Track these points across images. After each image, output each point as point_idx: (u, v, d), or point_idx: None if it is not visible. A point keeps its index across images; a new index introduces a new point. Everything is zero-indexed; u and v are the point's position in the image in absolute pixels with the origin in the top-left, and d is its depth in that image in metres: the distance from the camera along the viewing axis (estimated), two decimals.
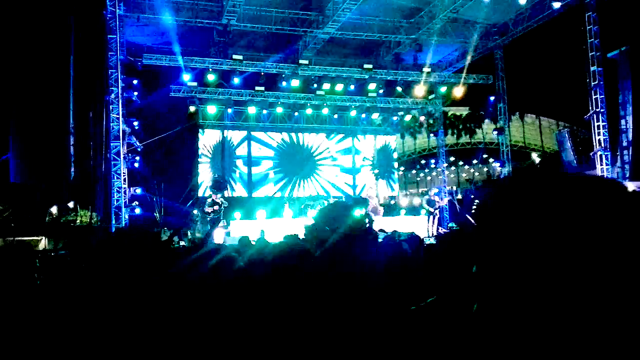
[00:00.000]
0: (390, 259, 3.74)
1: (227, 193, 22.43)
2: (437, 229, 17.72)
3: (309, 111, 23.27)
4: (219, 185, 18.04)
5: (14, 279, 3.02)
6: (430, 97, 22.68)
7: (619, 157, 21.23)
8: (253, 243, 7.10)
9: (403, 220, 19.02)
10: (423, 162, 34.03)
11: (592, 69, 15.59)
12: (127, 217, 15.63)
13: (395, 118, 25.16)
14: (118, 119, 15.53)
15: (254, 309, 2.47)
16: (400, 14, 18.40)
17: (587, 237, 0.77)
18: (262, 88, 20.20)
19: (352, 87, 20.88)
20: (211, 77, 19.02)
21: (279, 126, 24.26)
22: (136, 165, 17.03)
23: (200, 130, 23.00)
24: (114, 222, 15.42)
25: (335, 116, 24.27)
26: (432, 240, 15.02)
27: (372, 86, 20.94)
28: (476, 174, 36.98)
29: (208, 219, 16.66)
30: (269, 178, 24.06)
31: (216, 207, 16.71)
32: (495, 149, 23.29)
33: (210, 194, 17.20)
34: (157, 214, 18.11)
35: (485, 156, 28.84)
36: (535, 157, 31.78)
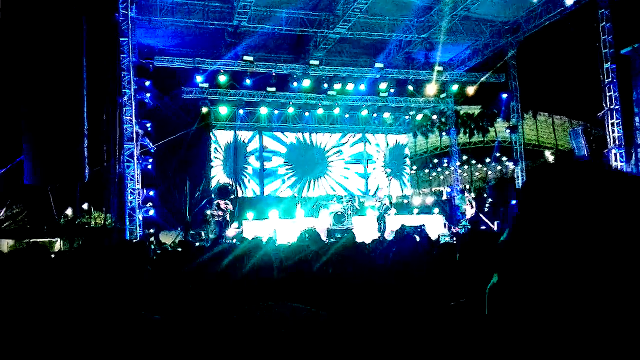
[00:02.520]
0: (398, 254, 3.75)
1: (239, 192, 22.53)
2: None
3: (320, 111, 23.30)
4: (224, 192, 18.22)
5: (30, 282, 3.06)
6: (442, 95, 22.62)
7: (633, 155, 21.03)
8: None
9: (416, 219, 19.01)
10: (435, 161, 33.85)
11: (605, 65, 15.46)
12: (140, 218, 15.73)
13: (406, 117, 25.12)
14: (131, 120, 15.66)
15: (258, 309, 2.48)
16: (411, 12, 18.35)
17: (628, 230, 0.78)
18: (274, 89, 20.24)
19: (362, 86, 20.86)
20: (222, 79, 19.10)
21: (291, 126, 24.32)
22: (149, 167, 17.15)
23: (212, 131, 23.11)
24: (127, 223, 15.53)
25: (347, 116, 24.27)
26: (448, 239, 15.11)
27: (383, 85, 20.92)
28: (489, 172, 36.78)
29: (216, 220, 16.78)
30: (279, 174, 24.11)
31: (220, 212, 16.85)
32: (508, 147, 23.15)
33: (219, 201, 17.34)
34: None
35: (498, 155, 28.66)
36: (549, 155, 31.54)
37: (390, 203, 19.68)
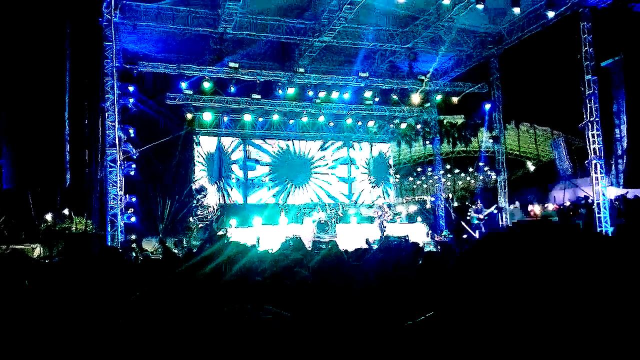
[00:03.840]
0: (383, 263, 3.74)
1: (221, 199, 22.43)
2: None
3: (304, 119, 23.31)
4: (199, 190, 18.20)
5: (6, 289, 3.01)
6: (425, 105, 22.76)
7: (613, 166, 21.33)
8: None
9: (400, 227, 19.06)
10: (419, 169, 34.00)
11: (586, 77, 15.65)
12: (122, 224, 15.58)
13: (391, 126, 25.22)
14: (114, 126, 15.52)
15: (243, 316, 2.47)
16: (396, 22, 18.47)
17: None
18: (258, 96, 20.22)
19: (347, 95, 20.92)
20: (207, 85, 19.03)
21: (275, 134, 24.29)
22: (132, 172, 17.01)
23: (196, 137, 23.00)
24: (109, 229, 15.37)
25: (331, 124, 24.31)
26: (432, 248, 15.19)
27: (367, 94, 21.00)
28: (472, 181, 37.00)
29: (201, 225, 16.67)
30: (264, 183, 24.06)
31: (210, 209, 16.81)
32: (491, 157, 23.32)
33: (200, 198, 17.27)
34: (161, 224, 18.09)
35: (481, 164, 28.89)
36: (530, 165, 31.87)
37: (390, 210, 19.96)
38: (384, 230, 18.19)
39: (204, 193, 17.78)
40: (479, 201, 20.51)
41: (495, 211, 19.88)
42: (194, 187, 20.18)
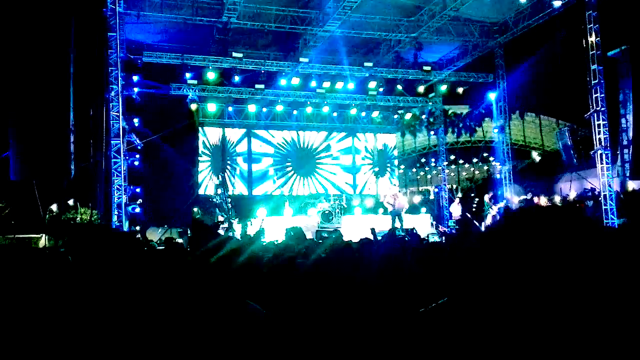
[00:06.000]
0: (388, 257, 3.74)
1: (228, 190, 22.49)
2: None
3: (309, 109, 23.26)
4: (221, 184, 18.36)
5: (13, 279, 3.01)
6: (430, 95, 22.67)
7: (619, 156, 21.22)
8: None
9: (403, 218, 19.01)
10: (423, 160, 33.93)
11: (592, 67, 15.54)
12: (127, 214, 15.62)
13: (395, 116, 25.15)
14: (118, 116, 15.52)
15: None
16: (401, 12, 18.36)
17: None
18: (262, 86, 20.17)
19: (351, 85, 20.84)
20: (211, 75, 18.99)
21: (279, 124, 24.26)
22: (136, 163, 17.02)
23: (200, 128, 22.99)
24: (115, 219, 15.41)
25: (336, 114, 24.27)
26: (437, 238, 15.12)
27: (372, 84, 20.92)
28: (476, 172, 36.93)
29: (222, 219, 16.75)
30: (269, 175, 24.07)
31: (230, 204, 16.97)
32: (495, 147, 23.22)
33: (222, 192, 17.34)
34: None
35: (485, 155, 28.79)
36: (536, 155, 31.76)
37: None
38: (402, 221, 17.53)
39: (224, 187, 17.90)
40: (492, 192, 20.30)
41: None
42: (216, 183, 20.25)
